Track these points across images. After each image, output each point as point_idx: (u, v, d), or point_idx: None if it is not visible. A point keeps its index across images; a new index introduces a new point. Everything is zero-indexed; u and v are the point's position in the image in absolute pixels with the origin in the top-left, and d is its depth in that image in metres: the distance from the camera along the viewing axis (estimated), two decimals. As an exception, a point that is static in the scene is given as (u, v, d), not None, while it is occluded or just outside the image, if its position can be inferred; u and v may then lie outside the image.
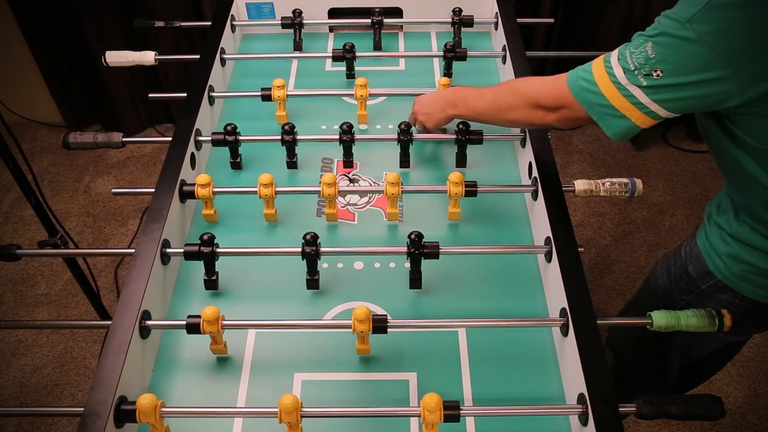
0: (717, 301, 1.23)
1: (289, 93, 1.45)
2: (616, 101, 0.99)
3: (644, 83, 0.95)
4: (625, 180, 1.22)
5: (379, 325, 0.98)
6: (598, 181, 1.23)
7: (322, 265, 1.19)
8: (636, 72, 0.95)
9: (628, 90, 0.97)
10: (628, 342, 1.54)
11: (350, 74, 1.59)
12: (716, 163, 1.15)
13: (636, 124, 1.00)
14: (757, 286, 1.17)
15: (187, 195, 1.22)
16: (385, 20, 1.66)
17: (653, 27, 0.96)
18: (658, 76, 0.94)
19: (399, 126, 1.33)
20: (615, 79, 0.98)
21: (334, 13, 1.75)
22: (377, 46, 1.68)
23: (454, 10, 1.66)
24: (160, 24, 1.65)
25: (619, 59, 0.98)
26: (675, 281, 1.31)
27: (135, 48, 1.59)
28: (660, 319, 1.02)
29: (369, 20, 1.65)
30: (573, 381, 0.96)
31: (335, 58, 1.56)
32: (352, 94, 1.55)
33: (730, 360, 1.66)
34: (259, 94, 1.44)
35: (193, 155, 1.30)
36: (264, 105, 1.52)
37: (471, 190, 1.20)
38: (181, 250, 1.11)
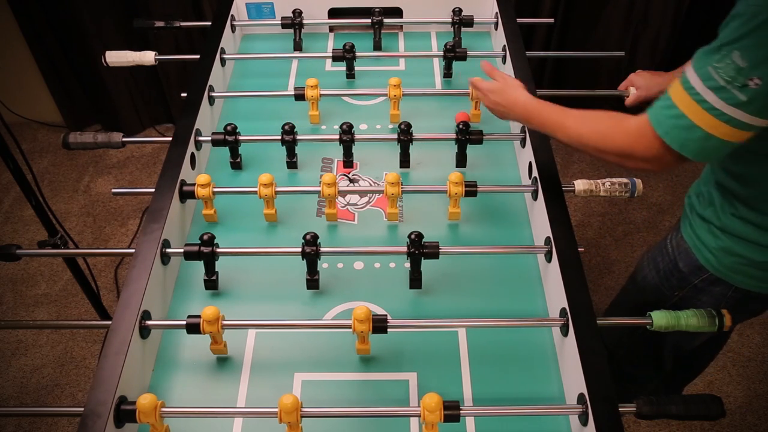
0: (710, 294, 1.23)
1: (288, 93, 1.45)
2: (716, 129, 0.88)
3: (743, 98, 0.84)
4: (625, 180, 1.22)
5: (379, 325, 0.98)
6: (598, 181, 1.23)
7: (322, 265, 1.19)
8: (729, 87, 0.84)
9: (727, 114, 0.86)
10: (620, 338, 1.54)
11: (350, 74, 1.59)
12: (744, 164, 1.07)
13: (740, 142, 0.90)
14: (750, 276, 1.17)
15: (187, 195, 1.22)
16: (385, 20, 1.66)
17: (726, 35, 0.86)
18: (756, 84, 0.82)
19: (399, 126, 1.33)
20: (708, 105, 0.87)
21: (334, 13, 1.75)
22: (377, 46, 1.68)
23: (454, 10, 1.66)
24: (160, 24, 1.65)
25: (704, 81, 0.87)
26: (665, 278, 1.30)
27: (135, 48, 1.59)
28: (660, 319, 1.02)
29: (369, 20, 1.65)
30: (573, 381, 0.96)
31: (335, 58, 1.56)
32: (352, 94, 1.56)
33: (720, 350, 1.65)
34: (292, 93, 1.44)
35: (193, 155, 1.30)
36: (264, 105, 1.52)
37: (471, 190, 1.20)
38: (181, 250, 1.11)
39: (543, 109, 1.15)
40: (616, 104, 1.55)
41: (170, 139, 1.29)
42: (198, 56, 1.50)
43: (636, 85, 1.45)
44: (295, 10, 1.68)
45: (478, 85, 1.29)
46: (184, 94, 1.41)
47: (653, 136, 0.95)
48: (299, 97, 1.43)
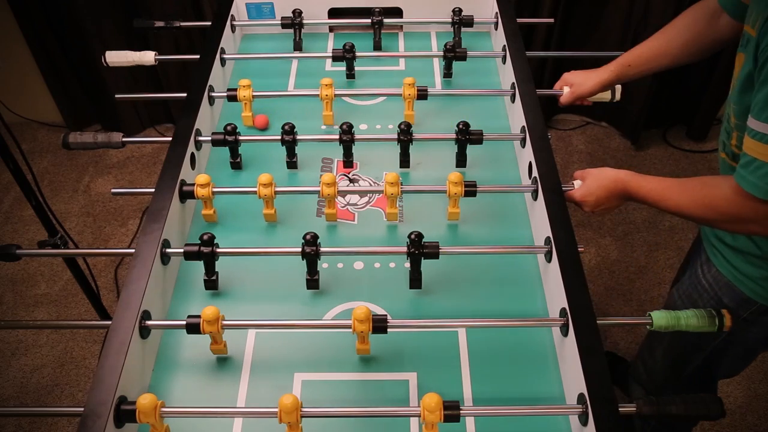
0: (761, 324, 1.20)
1: (289, 93, 1.45)
2: None
3: None
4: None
5: (379, 325, 0.98)
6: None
7: (322, 265, 1.19)
8: None
9: None
10: (667, 381, 1.50)
11: (350, 74, 1.59)
12: None
13: None
14: None
15: (187, 195, 1.22)
16: (385, 20, 1.66)
17: None
18: None
19: (399, 126, 1.33)
20: None
21: (334, 13, 1.75)
22: (377, 46, 1.68)
23: (454, 10, 1.66)
24: (160, 24, 1.65)
25: None
26: None
27: (135, 48, 1.59)
28: (660, 319, 1.02)
29: (369, 20, 1.65)
30: (573, 381, 0.96)
31: (335, 58, 1.56)
32: (353, 94, 1.56)
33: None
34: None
35: (193, 155, 1.30)
36: (264, 105, 1.52)
37: (471, 190, 1.20)
38: (181, 250, 1.11)
39: (634, 179, 1.15)
40: (619, 104, 1.55)
41: (170, 139, 1.29)
42: (198, 56, 1.50)
43: (569, 82, 1.45)
44: (295, 10, 1.68)
45: (570, 197, 1.23)
46: (162, 95, 1.41)
47: (754, 200, 0.95)
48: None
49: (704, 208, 1.05)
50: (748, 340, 1.27)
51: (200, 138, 1.34)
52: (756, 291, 1.18)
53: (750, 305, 1.20)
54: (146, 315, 1.01)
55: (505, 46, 1.56)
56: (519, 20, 1.61)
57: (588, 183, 1.20)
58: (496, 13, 1.66)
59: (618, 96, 1.48)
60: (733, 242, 1.18)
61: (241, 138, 1.33)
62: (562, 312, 1.01)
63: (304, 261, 1.11)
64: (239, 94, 1.42)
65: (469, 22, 1.66)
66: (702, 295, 1.28)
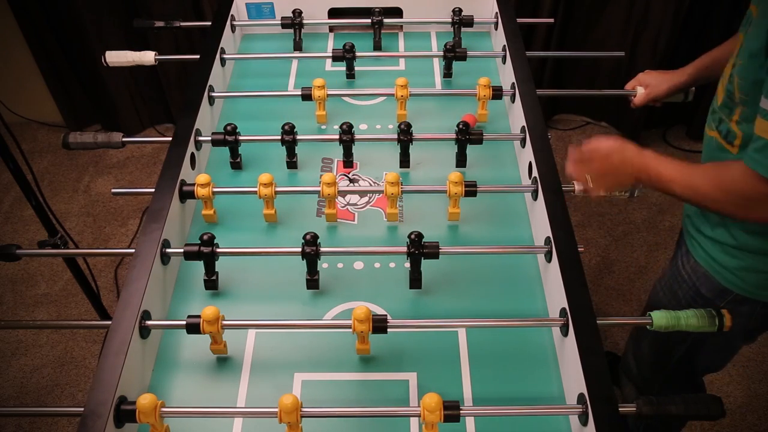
0: (738, 314, 1.18)
1: (288, 93, 1.45)
2: None
3: None
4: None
5: (379, 325, 0.98)
6: (598, 181, 1.22)
7: (322, 265, 1.19)
8: None
9: None
10: (655, 373, 1.51)
11: (350, 74, 1.59)
12: None
13: None
14: None
15: (187, 195, 1.22)
16: (385, 20, 1.66)
17: None
18: None
19: (399, 126, 1.33)
20: None
21: (334, 13, 1.75)
22: (377, 46, 1.68)
23: (454, 10, 1.66)
24: (160, 24, 1.65)
25: None
26: (688, 306, 1.27)
27: (135, 48, 1.59)
28: (660, 319, 1.02)
29: (369, 20, 1.65)
30: (573, 381, 0.96)
31: (335, 58, 1.56)
32: (353, 94, 1.56)
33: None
34: (293, 93, 1.43)
35: (193, 155, 1.30)
36: (264, 105, 1.52)
37: (471, 190, 1.20)
38: (181, 250, 1.11)
39: (652, 159, 1.09)
40: (619, 104, 1.54)
41: (170, 139, 1.29)
42: (198, 56, 1.50)
43: (644, 83, 1.44)
44: (295, 10, 1.68)
45: (591, 149, 1.15)
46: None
47: (765, 183, 0.93)
48: (306, 97, 1.43)
49: (715, 188, 1.02)
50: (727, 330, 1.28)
51: (200, 138, 1.34)
52: (732, 281, 1.19)
53: (726, 295, 1.21)
54: (146, 315, 1.01)
55: (505, 46, 1.56)
56: (519, 20, 1.61)
57: (610, 140, 1.14)
58: (496, 13, 1.66)
59: (691, 97, 1.47)
60: (710, 233, 1.19)
61: (241, 138, 1.33)
62: (562, 312, 1.01)
63: (304, 261, 1.11)
64: (314, 93, 1.41)
65: (469, 22, 1.66)
66: (681, 286, 1.29)
